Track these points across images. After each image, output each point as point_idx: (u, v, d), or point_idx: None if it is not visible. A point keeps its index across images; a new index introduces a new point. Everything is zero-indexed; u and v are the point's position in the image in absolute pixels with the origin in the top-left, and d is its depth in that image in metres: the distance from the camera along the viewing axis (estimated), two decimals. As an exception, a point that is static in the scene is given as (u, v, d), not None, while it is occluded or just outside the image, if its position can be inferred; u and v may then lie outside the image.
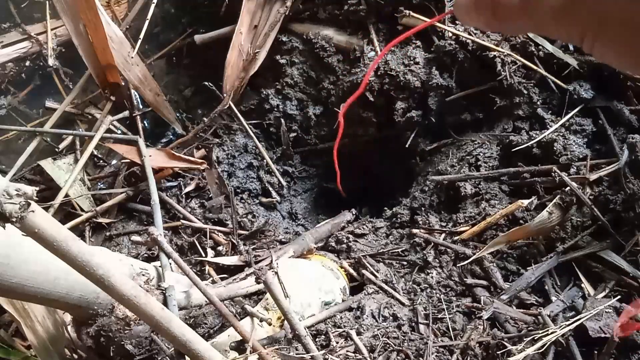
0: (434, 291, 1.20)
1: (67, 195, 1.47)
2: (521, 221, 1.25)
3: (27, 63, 1.81)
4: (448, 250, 1.27)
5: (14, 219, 0.59)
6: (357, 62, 1.59)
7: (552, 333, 1.02)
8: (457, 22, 1.49)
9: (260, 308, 1.10)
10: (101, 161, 1.67)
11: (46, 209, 1.42)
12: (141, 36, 1.68)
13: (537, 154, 1.35)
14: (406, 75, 1.49)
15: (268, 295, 1.08)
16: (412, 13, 1.48)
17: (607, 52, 0.41)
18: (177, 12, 1.92)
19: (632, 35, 0.38)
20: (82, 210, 1.49)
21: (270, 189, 1.72)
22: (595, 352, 1.02)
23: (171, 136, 1.79)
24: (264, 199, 1.70)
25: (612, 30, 0.39)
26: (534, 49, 1.42)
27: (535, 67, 1.41)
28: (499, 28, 0.48)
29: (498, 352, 1.03)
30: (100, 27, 1.51)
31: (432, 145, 1.57)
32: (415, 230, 1.35)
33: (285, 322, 1.02)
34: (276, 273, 1.12)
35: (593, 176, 1.24)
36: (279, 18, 1.61)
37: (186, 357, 0.90)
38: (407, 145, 1.58)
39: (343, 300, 1.23)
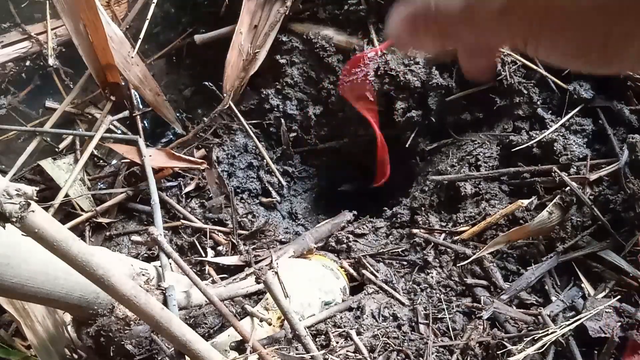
0: (434, 291, 1.20)
1: (67, 195, 1.47)
2: (521, 221, 1.25)
3: (27, 63, 1.81)
4: (448, 250, 1.27)
5: (14, 219, 0.59)
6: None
7: (552, 333, 1.02)
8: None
9: (260, 308, 1.10)
10: (101, 161, 1.67)
11: (46, 209, 1.42)
12: (141, 36, 1.68)
13: (537, 154, 1.35)
14: (406, 75, 1.49)
15: (268, 295, 1.08)
16: (412, 13, 1.48)
17: (552, 49, 0.40)
18: (177, 12, 1.92)
19: (575, 27, 0.37)
20: (82, 210, 1.49)
21: (270, 189, 1.72)
22: (595, 352, 1.02)
23: (171, 136, 1.79)
24: (264, 199, 1.70)
25: (555, 25, 0.38)
26: (534, 49, 1.42)
27: (535, 67, 1.41)
28: (440, 43, 0.45)
29: (498, 352, 1.03)
30: (100, 27, 1.51)
31: (432, 145, 1.57)
32: (415, 230, 1.35)
33: (285, 322, 1.02)
34: (276, 273, 1.12)
35: (593, 176, 1.24)
36: (279, 18, 1.60)
37: (186, 357, 0.90)
38: (407, 145, 1.58)
39: (343, 300, 1.23)
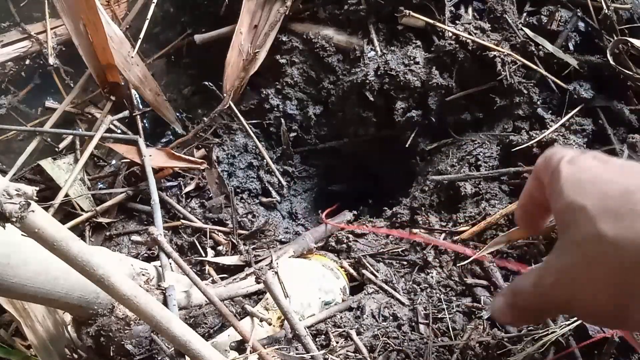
0: (434, 291, 1.20)
1: (67, 195, 1.47)
2: (521, 221, 1.25)
3: (27, 62, 1.81)
4: (448, 250, 1.27)
5: (14, 219, 0.59)
6: (357, 61, 1.59)
7: (552, 333, 1.02)
8: (457, 21, 1.49)
9: (260, 308, 1.10)
10: (101, 161, 1.67)
11: (46, 208, 1.42)
12: (141, 36, 1.68)
13: (538, 154, 1.35)
14: (406, 75, 1.49)
15: (268, 295, 1.08)
16: (412, 13, 1.48)
17: None
18: (177, 12, 1.92)
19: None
20: (82, 210, 1.49)
21: (270, 188, 1.72)
22: (595, 352, 1.02)
23: (171, 136, 1.79)
24: (264, 199, 1.70)
25: None
26: (534, 49, 1.42)
27: (535, 67, 1.41)
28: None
29: (498, 352, 1.03)
30: (100, 26, 1.51)
31: (432, 145, 1.56)
32: (415, 230, 1.35)
33: (285, 322, 1.02)
34: (276, 273, 1.12)
35: (593, 176, 1.24)
36: (279, 18, 1.60)
37: (186, 357, 0.90)
38: (407, 145, 1.58)
39: (343, 300, 1.23)
